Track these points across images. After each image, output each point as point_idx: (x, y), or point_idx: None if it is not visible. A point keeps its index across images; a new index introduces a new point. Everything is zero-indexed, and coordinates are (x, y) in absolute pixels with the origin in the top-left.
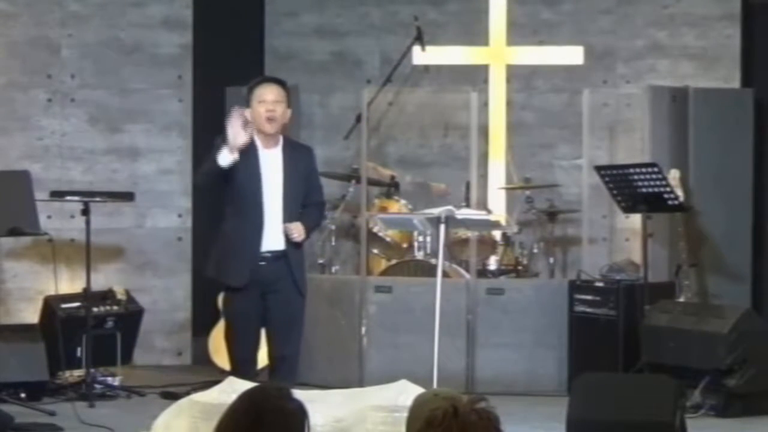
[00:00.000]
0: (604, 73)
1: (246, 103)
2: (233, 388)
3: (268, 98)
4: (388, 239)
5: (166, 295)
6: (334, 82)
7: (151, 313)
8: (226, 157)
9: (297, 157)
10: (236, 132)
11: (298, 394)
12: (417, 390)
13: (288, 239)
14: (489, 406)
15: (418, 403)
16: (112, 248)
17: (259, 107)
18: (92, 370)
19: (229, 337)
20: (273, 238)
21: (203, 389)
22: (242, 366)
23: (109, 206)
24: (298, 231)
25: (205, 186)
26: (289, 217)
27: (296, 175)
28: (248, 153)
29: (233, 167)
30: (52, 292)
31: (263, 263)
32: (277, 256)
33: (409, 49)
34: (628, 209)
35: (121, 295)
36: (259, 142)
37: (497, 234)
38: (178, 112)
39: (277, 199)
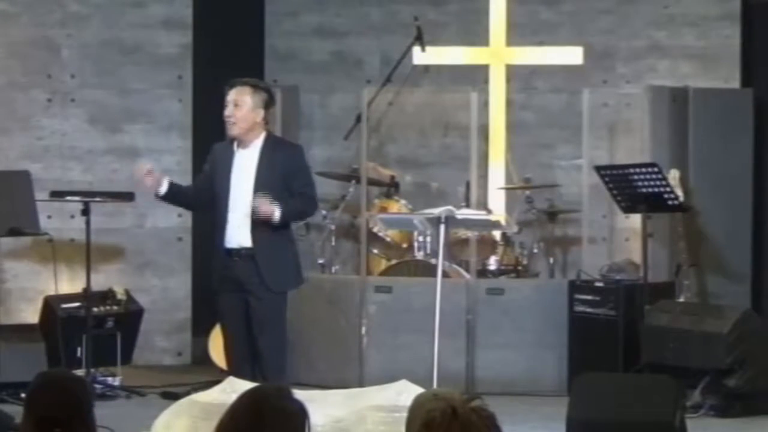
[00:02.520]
0: (604, 73)
1: None
2: (233, 388)
3: (227, 101)
4: (388, 239)
5: (166, 295)
6: (334, 82)
7: (151, 313)
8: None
9: (276, 156)
10: (138, 184)
11: (298, 394)
12: (417, 390)
13: (254, 238)
14: (483, 403)
15: (416, 405)
16: (112, 248)
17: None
18: (92, 370)
19: (223, 338)
20: (242, 236)
21: (203, 389)
22: (236, 363)
23: (109, 206)
24: (265, 207)
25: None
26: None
27: (272, 173)
28: (227, 154)
29: (215, 169)
30: (52, 292)
31: (237, 260)
32: (246, 254)
33: (409, 49)
34: (628, 209)
35: (121, 295)
36: (235, 143)
37: (497, 234)
38: (178, 112)
39: (246, 198)
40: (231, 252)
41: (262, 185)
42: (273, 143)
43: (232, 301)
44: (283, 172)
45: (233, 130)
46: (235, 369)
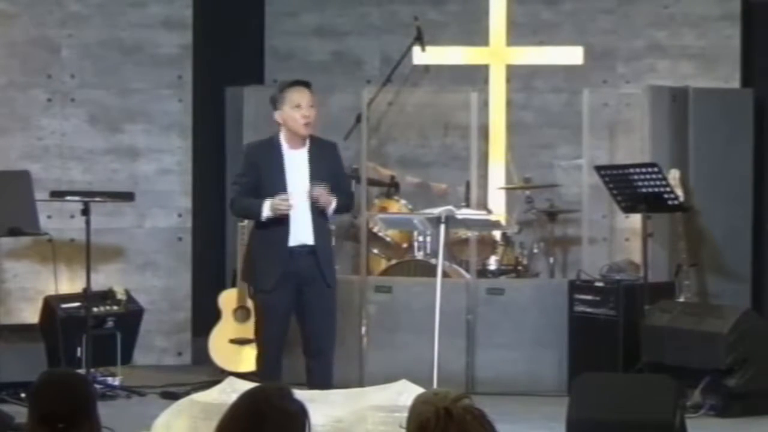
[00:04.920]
0: (604, 73)
1: (273, 104)
2: (233, 388)
3: (303, 103)
4: (388, 239)
5: (166, 295)
6: (334, 82)
7: (151, 313)
8: (267, 215)
9: (323, 155)
10: (284, 210)
11: (298, 394)
12: (417, 390)
13: (315, 235)
14: (472, 402)
15: (411, 408)
16: (112, 248)
17: (294, 112)
18: (92, 370)
19: (260, 333)
20: (302, 234)
21: (203, 389)
22: (272, 362)
23: (109, 206)
24: (325, 197)
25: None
26: (316, 213)
27: (322, 172)
28: (273, 155)
29: (259, 171)
30: (52, 292)
31: (295, 258)
32: (307, 251)
33: (409, 49)
34: (628, 209)
35: (121, 295)
36: (284, 143)
37: (497, 234)
38: (178, 112)
39: (304, 197)
40: (293, 250)
41: (317, 183)
42: (316, 142)
43: (287, 298)
44: (330, 170)
45: (308, 131)
46: (271, 366)
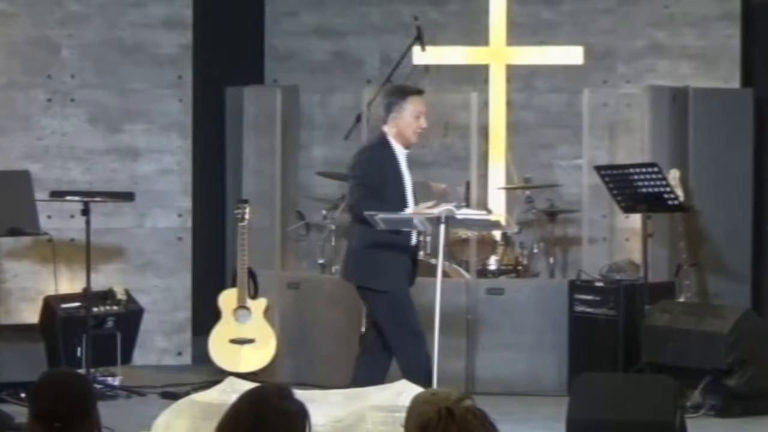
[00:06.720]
0: (604, 73)
1: (388, 108)
2: (233, 388)
3: (423, 113)
4: None
5: (166, 295)
6: (334, 82)
7: (151, 313)
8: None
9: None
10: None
11: (298, 394)
12: (417, 390)
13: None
14: (474, 402)
15: (410, 407)
16: (112, 248)
17: (415, 121)
18: (92, 370)
19: (405, 328)
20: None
21: (203, 389)
22: (425, 351)
23: (109, 206)
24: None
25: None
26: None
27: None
28: (391, 158)
29: (382, 174)
30: (52, 292)
31: (412, 256)
32: (414, 248)
33: (409, 49)
34: (628, 209)
35: (121, 295)
36: (395, 145)
37: (497, 234)
38: (178, 112)
39: (412, 196)
40: (411, 248)
41: (413, 183)
42: None
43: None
44: None
45: (418, 141)
46: (425, 355)
